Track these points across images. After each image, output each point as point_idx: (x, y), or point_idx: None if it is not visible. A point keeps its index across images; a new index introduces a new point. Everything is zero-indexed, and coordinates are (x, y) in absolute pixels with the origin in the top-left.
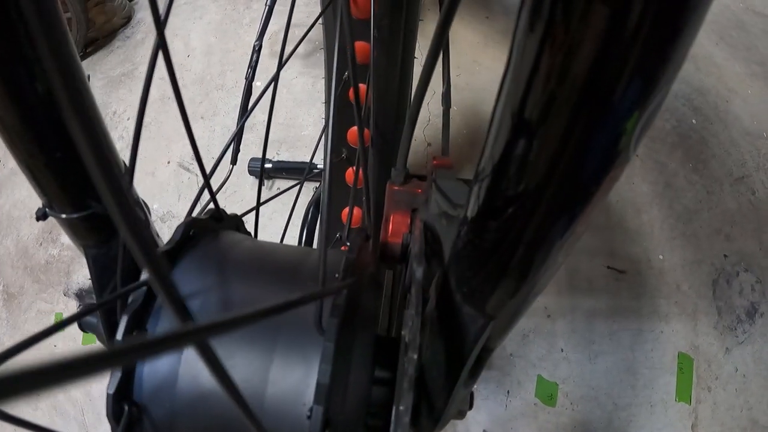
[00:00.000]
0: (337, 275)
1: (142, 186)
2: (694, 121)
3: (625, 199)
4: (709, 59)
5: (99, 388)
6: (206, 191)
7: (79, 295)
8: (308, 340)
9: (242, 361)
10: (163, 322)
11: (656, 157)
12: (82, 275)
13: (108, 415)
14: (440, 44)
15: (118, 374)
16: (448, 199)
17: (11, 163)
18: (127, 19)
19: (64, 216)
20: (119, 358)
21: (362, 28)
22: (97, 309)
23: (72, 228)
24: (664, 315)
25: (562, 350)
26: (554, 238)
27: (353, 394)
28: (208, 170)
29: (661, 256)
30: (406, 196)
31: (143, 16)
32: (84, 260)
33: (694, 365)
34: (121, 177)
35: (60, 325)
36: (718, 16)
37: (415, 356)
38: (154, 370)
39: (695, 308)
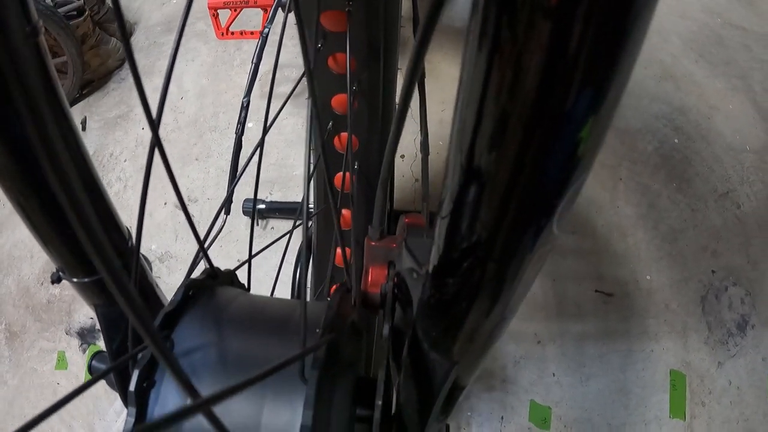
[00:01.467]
0: (318, 330)
1: None
2: (676, 140)
3: (610, 223)
4: (689, 78)
5: None
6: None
7: (81, 334)
8: (294, 389)
9: (238, 409)
10: (169, 374)
11: (639, 179)
12: (83, 314)
13: None
14: (406, 105)
15: (133, 419)
16: (414, 258)
17: (10, 203)
18: (122, 62)
19: (75, 280)
20: None
21: (342, 82)
22: (111, 371)
23: (83, 290)
24: (653, 334)
25: (553, 374)
26: (511, 282)
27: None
28: (207, 226)
29: (648, 277)
30: (382, 250)
31: (137, 58)
32: (87, 304)
33: (687, 381)
34: (118, 247)
35: (82, 388)
36: (696, 34)
37: (380, 402)
38: (163, 414)
39: (685, 325)
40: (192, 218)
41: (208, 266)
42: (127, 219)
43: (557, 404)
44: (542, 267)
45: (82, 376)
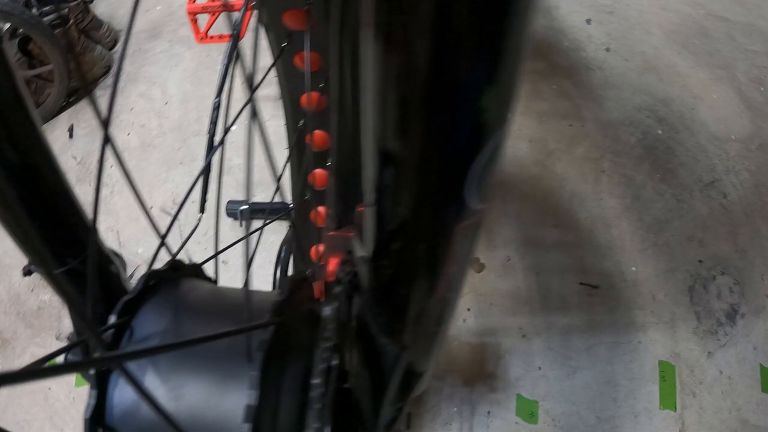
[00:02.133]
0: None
1: (127, 231)
2: (659, 131)
3: (593, 215)
4: (672, 69)
5: None
6: (170, 243)
7: (72, 339)
8: (242, 371)
9: (190, 390)
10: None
11: (622, 171)
12: None
13: None
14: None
15: (94, 401)
16: (361, 244)
17: None
18: (107, 69)
19: (45, 272)
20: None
21: (313, 80)
22: (68, 351)
23: (53, 281)
24: (640, 325)
25: (539, 368)
26: (443, 258)
27: (285, 415)
28: (180, 219)
29: (633, 268)
30: (340, 240)
31: (123, 65)
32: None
33: (677, 372)
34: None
35: (48, 369)
36: (679, 26)
37: (323, 390)
38: (122, 398)
39: (673, 316)
40: (148, 211)
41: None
42: (114, 223)
43: (544, 398)
44: (474, 242)
45: (74, 381)
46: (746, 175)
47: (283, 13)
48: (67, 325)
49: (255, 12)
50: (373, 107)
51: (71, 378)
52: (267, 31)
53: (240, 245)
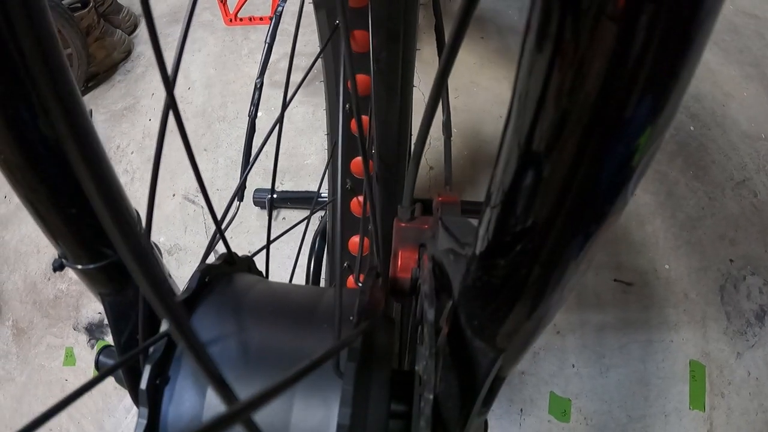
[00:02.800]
0: (351, 318)
1: None
2: (692, 128)
3: (628, 211)
4: (704, 65)
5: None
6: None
7: (89, 330)
8: (327, 384)
9: (268, 405)
10: (185, 369)
11: (656, 167)
12: (91, 309)
13: None
14: (441, 89)
15: (144, 422)
16: (454, 237)
17: (17, 198)
18: (127, 53)
19: (80, 267)
20: None
21: (361, 61)
22: (119, 367)
23: (88, 278)
24: (673, 324)
25: (573, 366)
26: (565, 268)
27: (372, 430)
28: (219, 215)
29: (667, 266)
30: (413, 232)
31: (143, 49)
32: (92, 294)
33: (707, 372)
34: (134, 227)
35: (89, 386)
36: None
37: (431, 396)
38: (178, 414)
39: (704, 315)
40: (209, 200)
41: (223, 253)
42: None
43: (577, 396)
44: (598, 251)
45: (91, 373)
46: None
47: None
48: (84, 315)
49: None
50: (525, 117)
51: (88, 368)
52: (317, 9)
53: (287, 239)
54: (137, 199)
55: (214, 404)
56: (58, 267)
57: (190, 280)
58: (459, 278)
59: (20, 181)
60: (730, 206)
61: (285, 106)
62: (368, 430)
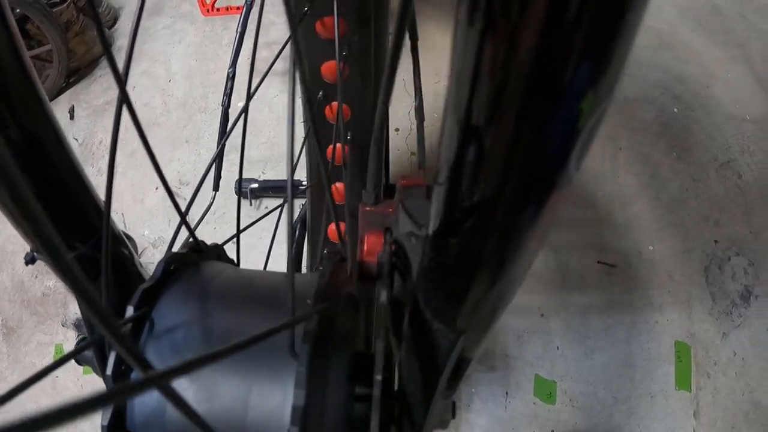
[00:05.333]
0: (309, 301)
1: (132, 213)
2: (675, 109)
3: (611, 192)
4: (687, 46)
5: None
6: (190, 220)
7: (78, 326)
8: (284, 366)
9: (224, 390)
10: (150, 355)
11: (639, 148)
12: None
13: None
14: (395, 62)
15: (111, 407)
16: (413, 219)
17: None
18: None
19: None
20: (92, 407)
21: (332, 48)
22: (88, 347)
23: (59, 270)
24: (657, 306)
25: (558, 348)
26: (517, 243)
27: (332, 412)
28: (188, 199)
29: (651, 247)
30: (378, 216)
31: (123, 43)
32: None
33: (692, 353)
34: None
35: (57, 364)
36: (693, 3)
37: (380, 378)
38: (143, 401)
39: (689, 296)
40: (170, 189)
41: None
42: (119, 205)
43: (562, 378)
44: (554, 222)
45: (81, 368)
46: (761, 156)
47: None
48: (72, 312)
49: None
50: (461, 91)
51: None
52: None
53: (268, 218)
54: (120, 194)
55: (180, 388)
56: (30, 260)
57: (155, 268)
58: (417, 261)
59: None
60: (714, 187)
61: (250, 96)
62: (328, 412)
